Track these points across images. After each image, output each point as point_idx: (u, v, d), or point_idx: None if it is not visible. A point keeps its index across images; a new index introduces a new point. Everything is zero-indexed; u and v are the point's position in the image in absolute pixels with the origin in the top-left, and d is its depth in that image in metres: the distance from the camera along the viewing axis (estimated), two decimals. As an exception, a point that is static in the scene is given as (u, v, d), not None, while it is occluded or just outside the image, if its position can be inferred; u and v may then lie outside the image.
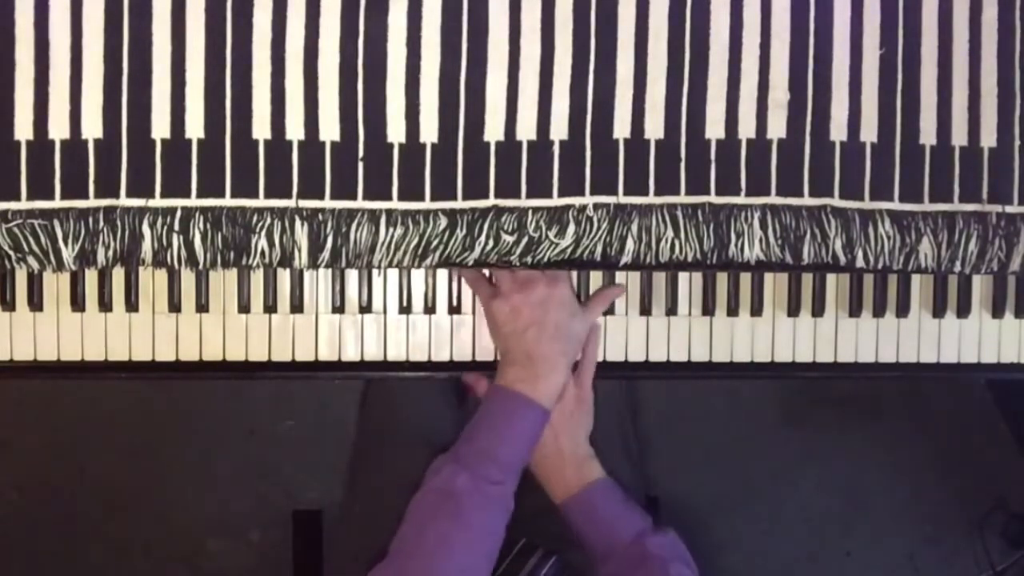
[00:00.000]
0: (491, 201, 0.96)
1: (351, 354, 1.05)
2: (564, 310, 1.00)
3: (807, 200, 0.98)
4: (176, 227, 0.94)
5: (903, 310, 1.06)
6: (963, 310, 1.06)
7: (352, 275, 1.04)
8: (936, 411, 1.90)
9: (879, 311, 1.06)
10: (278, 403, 1.83)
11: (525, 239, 0.97)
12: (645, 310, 1.05)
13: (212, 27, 0.94)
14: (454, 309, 1.05)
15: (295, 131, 0.95)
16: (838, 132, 0.98)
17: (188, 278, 1.02)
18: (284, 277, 1.03)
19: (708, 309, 1.06)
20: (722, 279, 1.06)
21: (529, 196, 0.96)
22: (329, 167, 0.95)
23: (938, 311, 1.06)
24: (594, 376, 1.06)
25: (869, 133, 0.98)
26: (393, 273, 1.04)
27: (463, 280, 1.04)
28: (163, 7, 0.94)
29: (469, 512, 0.94)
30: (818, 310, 1.06)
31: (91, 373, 1.04)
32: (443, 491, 0.96)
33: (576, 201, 0.97)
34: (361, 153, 0.95)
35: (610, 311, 1.05)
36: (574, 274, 1.05)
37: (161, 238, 0.95)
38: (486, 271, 1.04)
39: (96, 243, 0.94)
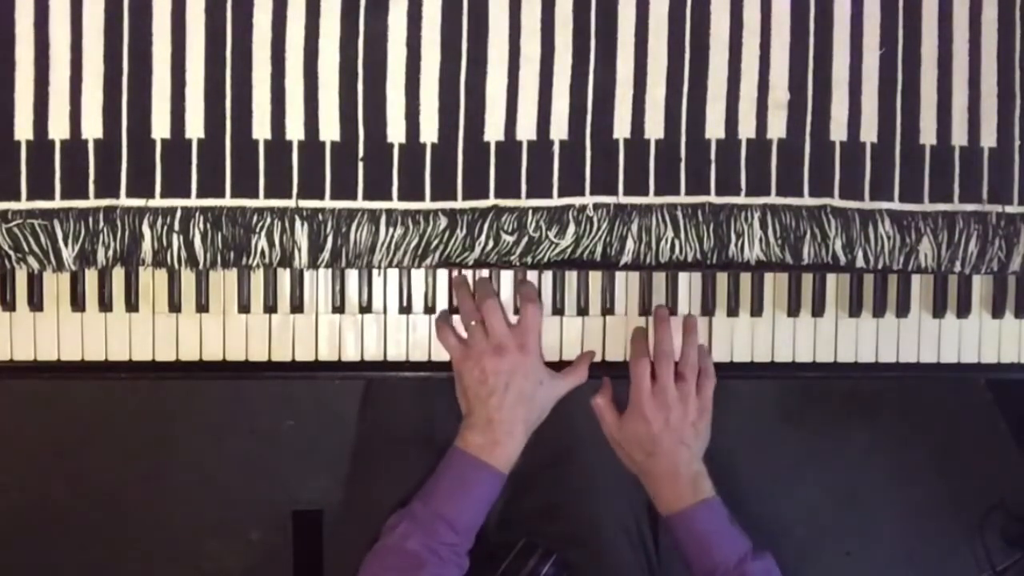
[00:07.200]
0: (491, 201, 0.96)
1: (351, 354, 1.05)
2: (531, 378, 1.00)
3: (807, 200, 0.98)
4: (176, 227, 0.95)
5: (903, 310, 1.06)
6: (963, 310, 1.06)
7: (352, 275, 1.04)
8: (936, 411, 1.90)
9: (879, 311, 1.06)
10: (278, 403, 1.83)
11: (525, 239, 0.97)
12: (645, 310, 1.05)
13: (212, 27, 0.94)
14: (454, 309, 1.05)
15: (295, 131, 0.95)
16: (838, 132, 0.98)
17: (188, 278, 1.02)
18: (284, 277, 1.03)
19: (708, 309, 1.06)
20: (722, 279, 1.06)
21: (529, 196, 0.96)
22: (329, 167, 0.95)
23: (938, 311, 1.06)
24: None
25: (869, 133, 0.98)
26: (393, 273, 1.04)
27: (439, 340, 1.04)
28: (163, 7, 0.94)
29: (421, 572, 0.94)
30: (818, 310, 1.06)
31: (91, 373, 1.04)
32: (398, 549, 0.96)
33: (576, 201, 0.97)
34: (361, 153, 0.95)
35: (610, 311, 1.05)
36: (574, 275, 1.05)
37: (161, 238, 0.95)
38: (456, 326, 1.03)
39: (96, 243, 0.95)
